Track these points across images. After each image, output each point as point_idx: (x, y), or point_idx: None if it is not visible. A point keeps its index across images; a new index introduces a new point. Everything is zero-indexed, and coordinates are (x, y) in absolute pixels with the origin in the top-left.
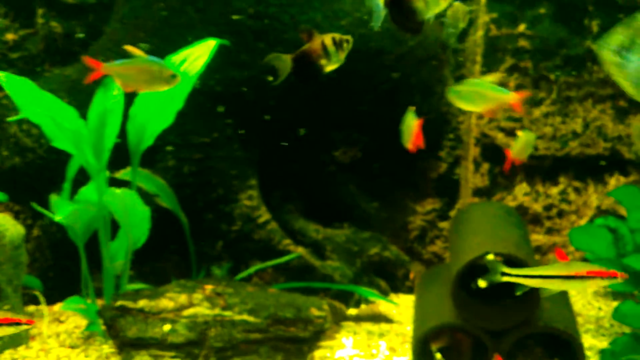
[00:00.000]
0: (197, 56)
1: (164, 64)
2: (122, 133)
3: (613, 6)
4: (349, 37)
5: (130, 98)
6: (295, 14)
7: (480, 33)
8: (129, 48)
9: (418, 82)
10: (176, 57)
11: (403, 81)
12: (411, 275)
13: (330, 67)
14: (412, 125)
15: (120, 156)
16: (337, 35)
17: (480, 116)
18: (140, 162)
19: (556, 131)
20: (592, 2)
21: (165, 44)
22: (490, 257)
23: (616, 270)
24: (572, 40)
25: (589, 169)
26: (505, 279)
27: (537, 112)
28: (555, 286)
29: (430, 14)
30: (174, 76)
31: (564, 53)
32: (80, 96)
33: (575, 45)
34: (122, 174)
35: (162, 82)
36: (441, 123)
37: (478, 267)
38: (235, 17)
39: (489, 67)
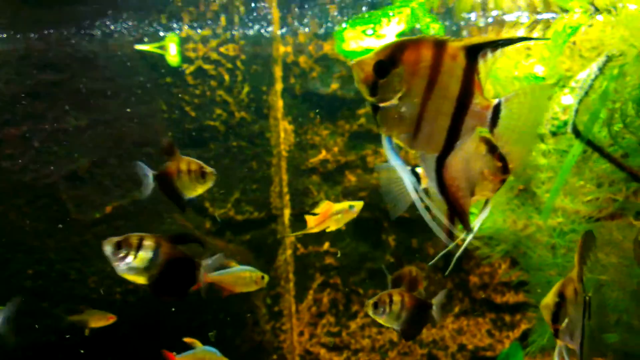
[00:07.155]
0: None
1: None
2: None
3: (405, 223)
4: None
5: None
6: (81, 267)
7: (289, 252)
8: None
9: (227, 315)
10: None
11: (213, 316)
12: None
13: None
14: None
15: None
16: None
17: (301, 333)
18: None
19: (374, 342)
20: (386, 219)
21: None
22: None
23: None
24: (373, 254)
25: None
26: None
27: (353, 325)
28: None
29: None
30: (262, 277)
31: (368, 267)
32: None
33: (377, 258)
34: None
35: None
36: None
37: None
38: (12, 279)
39: (302, 284)
